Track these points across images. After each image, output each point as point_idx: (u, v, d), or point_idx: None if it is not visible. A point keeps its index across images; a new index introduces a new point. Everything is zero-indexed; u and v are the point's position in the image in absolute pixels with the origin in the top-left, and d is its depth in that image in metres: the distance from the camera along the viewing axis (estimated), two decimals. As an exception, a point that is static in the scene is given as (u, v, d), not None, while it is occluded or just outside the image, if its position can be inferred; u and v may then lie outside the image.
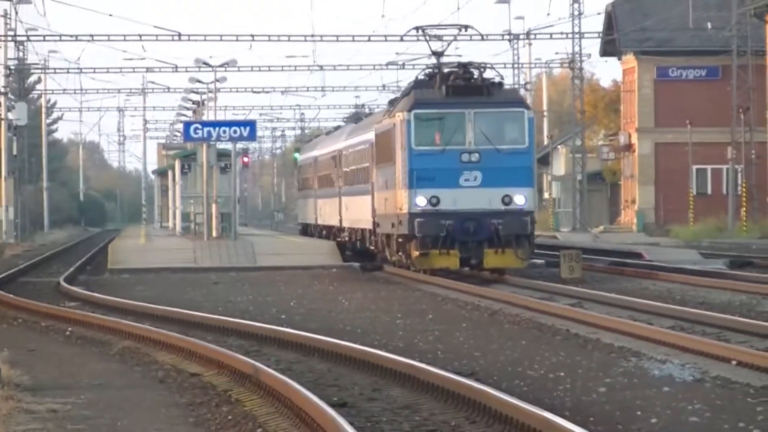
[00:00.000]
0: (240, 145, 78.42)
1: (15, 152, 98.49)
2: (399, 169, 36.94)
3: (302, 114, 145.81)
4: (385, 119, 41.94)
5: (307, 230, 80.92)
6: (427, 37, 41.99)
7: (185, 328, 32.03)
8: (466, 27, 43.37)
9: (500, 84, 38.36)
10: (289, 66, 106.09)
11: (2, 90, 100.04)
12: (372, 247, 48.62)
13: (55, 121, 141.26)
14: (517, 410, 14.90)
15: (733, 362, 20.59)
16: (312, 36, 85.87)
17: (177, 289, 49.17)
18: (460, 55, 78.92)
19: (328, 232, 67.22)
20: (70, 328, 34.63)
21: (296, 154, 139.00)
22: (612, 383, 19.50)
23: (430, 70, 39.82)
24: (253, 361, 22.97)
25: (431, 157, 35.40)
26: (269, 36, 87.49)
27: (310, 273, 55.88)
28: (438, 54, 42.18)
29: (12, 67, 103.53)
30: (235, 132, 69.03)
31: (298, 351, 26.98)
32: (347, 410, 17.14)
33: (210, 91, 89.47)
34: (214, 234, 71.42)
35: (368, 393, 19.96)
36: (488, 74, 40.12)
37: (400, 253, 39.43)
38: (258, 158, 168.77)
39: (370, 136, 46.68)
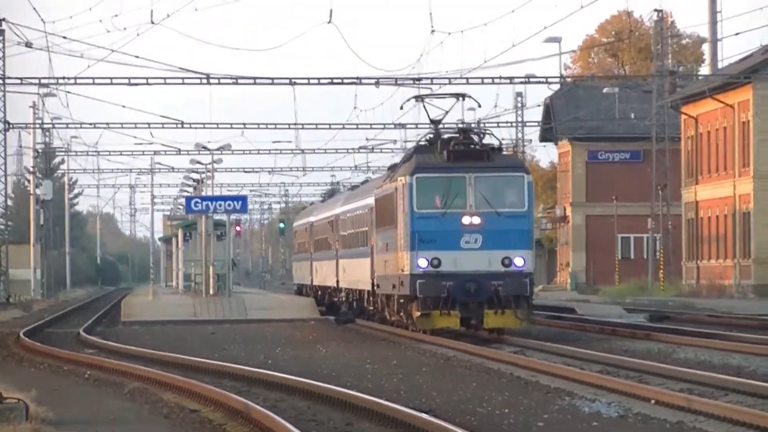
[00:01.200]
0: (233, 217, 78.15)
1: (42, 222, 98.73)
2: (401, 231, 33.92)
3: (286, 190, 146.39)
4: (386, 184, 38.81)
5: (302, 290, 76.30)
6: (425, 106, 38.68)
7: (186, 372, 31.78)
8: (464, 96, 39.59)
9: (500, 149, 36.03)
10: (275, 149, 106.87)
11: (31, 170, 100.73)
12: (371, 308, 44.91)
13: (76, 196, 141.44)
14: None
15: (652, 401, 20.54)
16: (295, 124, 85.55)
17: (180, 338, 48.71)
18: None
19: (324, 293, 63.97)
20: (88, 372, 34.30)
21: (281, 224, 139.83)
22: (549, 419, 19.35)
23: (431, 136, 36.65)
24: (244, 400, 22.83)
25: (433, 220, 32.59)
26: (258, 124, 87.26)
27: (292, 325, 55.56)
28: (435, 122, 38.61)
29: (39, 150, 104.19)
30: (229, 205, 69.62)
31: (283, 391, 26.82)
32: None
33: (208, 171, 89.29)
34: (211, 292, 71.35)
35: (342, 427, 19.86)
36: (487, 140, 37.15)
37: (400, 313, 36.38)
38: (248, 227, 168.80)
39: (370, 201, 43.66)
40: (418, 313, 32.47)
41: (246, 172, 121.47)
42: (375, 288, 41.24)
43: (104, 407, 25.96)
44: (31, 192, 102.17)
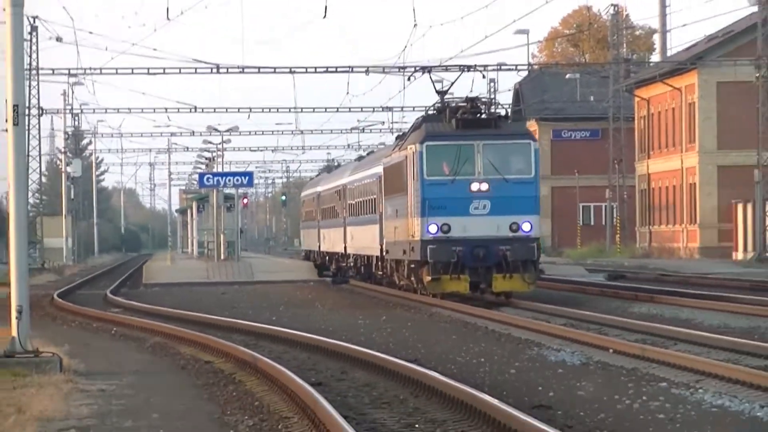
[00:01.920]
0: (241, 190, 78.00)
1: (72, 197, 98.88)
2: (411, 198, 31.58)
3: (287, 167, 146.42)
4: (395, 153, 36.36)
5: (309, 256, 72.50)
6: (432, 77, 38.29)
7: (201, 328, 32.05)
8: (469, 68, 39.60)
9: (506, 117, 33.77)
10: (278, 131, 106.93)
11: (63, 150, 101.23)
12: (380, 273, 42.27)
13: (102, 173, 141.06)
14: (449, 387, 15.16)
15: (611, 350, 20.73)
16: (294, 108, 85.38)
17: (194, 298, 48.65)
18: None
19: (331, 258, 61.26)
20: (114, 329, 34.63)
21: (283, 197, 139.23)
22: (520, 366, 19.68)
23: (439, 105, 34.00)
24: (252, 352, 23.31)
25: (442, 187, 30.35)
26: (262, 108, 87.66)
27: (294, 285, 56.13)
28: (442, 93, 36.02)
29: (69, 133, 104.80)
30: (237, 181, 71.05)
31: (286, 344, 27.25)
32: (322, 388, 17.17)
33: (218, 150, 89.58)
34: (222, 257, 72.09)
35: (338, 375, 20.31)
36: (493, 109, 35.03)
37: (411, 278, 33.99)
38: (254, 200, 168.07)
39: (378, 170, 40.97)
40: (429, 278, 30.52)
41: (252, 151, 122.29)
42: (384, 254, 39.12)
43: (128, 360, 26.15)
44: (63, 170, 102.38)
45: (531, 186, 30.64)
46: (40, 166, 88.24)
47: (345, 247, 52.05)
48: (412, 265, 32.49)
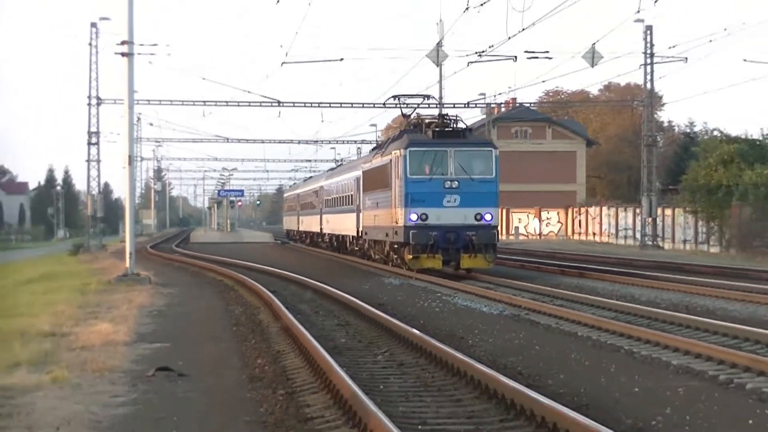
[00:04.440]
0: (238, 198, 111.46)
1: (156, 199, 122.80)
2: (396, 192, 31.20)
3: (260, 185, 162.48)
4: (375, 158, 35.87)
5: (289, 234, 76.50)
6: (401, 104, 36.20)
7: (218, 263, 41.17)
8: (428, 96, 36.55)
9: (471, 129, 33.05)
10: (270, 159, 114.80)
11: (152, 177, 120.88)
12: (356, 248, 42.19)
13: (170, 186, 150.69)
14: (394, 325, 16.03)
15: (522, 307, 20.60)
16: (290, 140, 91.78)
17: (214, 249, 61.12)
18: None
19: (307, 235, 61.62)
20: (176, 263, 44.71)
21: (258, 202, 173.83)
22: (458, 317, 19.46)
23: (415, 120, 33.70)
24: (241, 275, 31.38)
25: (422, 184, 29.80)
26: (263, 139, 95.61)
27: (262, 244, 75.01)
28: (406, 116, 35.81)
29: (154, 169, 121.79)
30: (235, 194, 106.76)
31: (258, 272, 35.22)
32: (276, 293, 22.86)
33: (229, 174, 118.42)
34: (228, 230, 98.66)
35: (284, 287, 27.15)
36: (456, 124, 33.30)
37: (393, 256, 33.39)
38: (247, 201, 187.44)
39: (357, 173, 40.59)
40: (410, 256, 30.04)
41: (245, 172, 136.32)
42: (363, 235, 39.15)
43: (181, 278, 34.53)
44: (152, 186, 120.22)
45: (492, 184, 30.62)
46: (137, 184, 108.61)
47: (321, 228, 53.59)
48: (396, 246, 32.45)
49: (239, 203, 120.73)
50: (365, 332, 17.27)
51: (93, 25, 55.44)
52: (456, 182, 30.05)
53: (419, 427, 9.30)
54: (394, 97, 36.67)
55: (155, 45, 48.27)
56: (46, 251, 65.58)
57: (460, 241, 29.91)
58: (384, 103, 37.57)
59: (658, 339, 14.87)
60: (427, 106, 37.24)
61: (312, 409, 10.28)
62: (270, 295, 22.16)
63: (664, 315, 18.31)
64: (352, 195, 42.25)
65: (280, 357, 14.08)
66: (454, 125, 31.86)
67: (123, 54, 30.12)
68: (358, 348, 15.27)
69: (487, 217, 30.15)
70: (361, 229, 39.76)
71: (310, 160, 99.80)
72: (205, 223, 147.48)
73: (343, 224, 45.51)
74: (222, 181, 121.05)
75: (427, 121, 32.46)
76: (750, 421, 9.46)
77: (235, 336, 16.97)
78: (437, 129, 31.34)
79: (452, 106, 54.39)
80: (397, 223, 31.21)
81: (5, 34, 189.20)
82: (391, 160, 32.16)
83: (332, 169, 57.77)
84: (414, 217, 29.96)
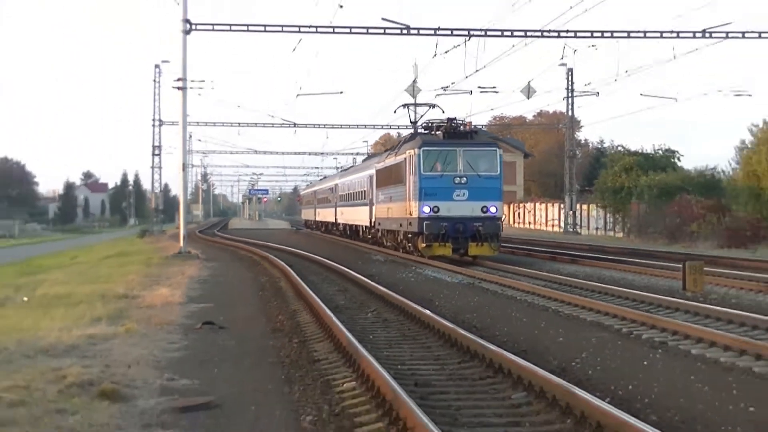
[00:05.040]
0: (264, 195, 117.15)
1: (203, 196, 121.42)
2: (410, 187, 27.16)
3: (281, 186, 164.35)
4: (389, 158, 31.66)
5: (307, 223, 68.10)
6: (409, 111, 33.06)
7: (248, 245, 38.49)
8: (434, 105, 32.13)
9: (477, 131, 29.07)
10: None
11: (201, 180, 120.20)
12: (369, 236, 37.33)
13: (213, 186, 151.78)
14: (386, 294, 15.53)
15: (478, 278, 20.03)
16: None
17: (246, 233, 57.11)
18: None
19: (323, 224, 55.48)
20: (217, 244, 42.75)
21: (278, 198, 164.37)
22: (426, 285, 19.01)
23: (426, 124, 29.28)
24: (266, 253, 30.55)
25: (434, 179, 26.09)
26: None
27: (281, 230, 68.86)
28: (414, 123, 32.51)
29: (202, 174, 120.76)
30: (262, 192, 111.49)
31: (279, 251, 33.41)
32: (292, 267, 22.50)
33: (255, 181, 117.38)
34: (256, 219, 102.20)
35: (299, 262, 26.04)
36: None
37: (407, 244, 29.01)
38: (270, 199, 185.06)
39: (370, 172, 36.26)
40: (423, 245, 26.22)
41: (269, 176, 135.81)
42: (376, 225, 34.57)
43: (222, 255, 33.25)
44: (200, 187, 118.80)
45: (496, 180, 26.66)
46: (189, 187, 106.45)
47: (336, 219, 48.81)
48: (410, 235, 28.33)
49: (264, 199, 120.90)
50: (359, 296, 17.00)
51: (156, 66, 57.23)
52: (464, 178, 26.30)
53: (398, 366, 9.24)
54: (404, 105, 32.98)
55: (203, 81, 51.74)
56: (120, 235, 66.23)
57: (468, 231, 26.17)
58: (395, 111, 36.01)
59: (577, 301, 14.77)
60: (433, 107, 32.72)
61: (319, 353, 10.21)
62: (287, 268, 22.03)
63: (582, 283, 18.21)
64: (365, 191, 38.26)
65: (295, 315, 13.99)
66: (462, 127, 27.95)
67: (179, 88, 30.53)
68: (354, 308, 15.03)
69: (492, 209, 26.44)
70: (373, 220, 35.65)
71: (317, 167, 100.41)
72: (239, 214, 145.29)
73: (356, 216, 41.11)
74: (252, 182, 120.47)
75: (436, 124, 28.50)
76: (644, 362, 9.51)
77: (261, 299, 16.83)
78: (449, 131, 27.46)
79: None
80: (411, 214, 27.29)
81: (97, 70, 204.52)
82: (405, 159, 28.16)
83: (345, 170, 54.45)
84: (427, 209, 26.29)
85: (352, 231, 43.28)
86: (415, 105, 33.33)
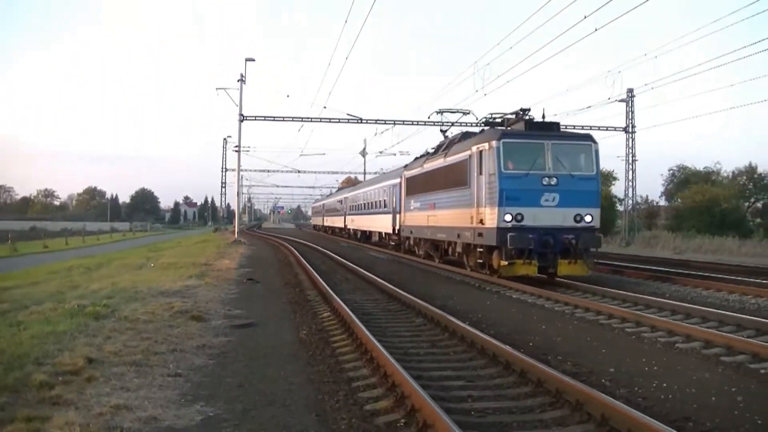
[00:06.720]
0: (280, 208, 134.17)
1: (243, 208, 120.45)
2: (481, 190, 19.39)
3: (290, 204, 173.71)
4: (427, 163, 24.99)
5: (315, 228, 71.92)
6: (442, 116, 30.34)
7: (277, 238, 41.98)
8: (467, 112, 25.54)
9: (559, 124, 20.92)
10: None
11: (246, 201, 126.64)
12: (391, 243, 32.48)
13: (250, 200, 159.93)
14: (396, 292, 14.77)
15: (473, 279, 18.47)
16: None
17: (274, 232, 63.94)
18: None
19: (329, 229, 57.38)
20: (254, 237, 46.17)
21: (289, 211, 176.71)
22: (430, 280, 18.58)
23: (487, 118, 22.76)
24: (293, 249, 29.96)
25: (517, 180, 18.52)
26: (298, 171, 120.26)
27: (297, 230, 75.50)
28: (444, 131, 27.50)
29: (247, 196, 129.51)
30: (281, 207, 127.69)
31: (292, 242, 35.43)
32: (311, 264, 20.29)
33: (276, 200, 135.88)
34: (277, 223, 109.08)
35: (321, 258, 24.01)
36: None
37: (477, 260, 20.12)
38: (286, 211, 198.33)
39: (393, 182, 32.36)
40: (505, 263, 17.91)
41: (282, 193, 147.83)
42: (401, 232, 29.02)
43: (258, 244, 35.64)
44: (246, 204, 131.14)
45: (593, 182, 17.79)
46: (241, 203, 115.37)
47: (345, 225, 47.31)
48: (479, 249, 19.43)
49: (281, 212, 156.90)
50: (359, 283, 16.91)
51: (224, 139, 67.83)
52: (555, 179, 18.52)
53: (354, 304, 12.08)
54: (439, 112, 27.29)
55: (249, 146, 57.89)
56: (202, 231, 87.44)
57: (558, 245, 18.27)
58: (428, 117, 30.14)
59: (557, 297, 14.39)
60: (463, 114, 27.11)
61: (310, 296, 13.79)
62: (294, 250, 27.37)
63: (566, 282, 17.25)
64: (385, 200, 33.68)
65: (297, 275, 17.67)
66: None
67: (236, 151, 35.58)
68: (330, 272, 18.20)
69: (588, 218, 18.40)
70: (398, 227, 29.70)
71: (311, 195, 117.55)
72: (268, 220, 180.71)
73: (372, 222, 36.86)
74: (275, 202, 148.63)
75: (508, 117, 19.72)
76: (622, 345, 9.70)
77: (281, 267, 20.53)
78: (530, 121, 19.83)
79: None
80: (481, 223, 18.77)
81: (192, 144, 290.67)
82: (469, 156, 19.59)
83: (354, 185, 56.82)
84: (508, 217, 18.24)
85: (363, 235, 39.63)
86: (449, 111, 26.34)
